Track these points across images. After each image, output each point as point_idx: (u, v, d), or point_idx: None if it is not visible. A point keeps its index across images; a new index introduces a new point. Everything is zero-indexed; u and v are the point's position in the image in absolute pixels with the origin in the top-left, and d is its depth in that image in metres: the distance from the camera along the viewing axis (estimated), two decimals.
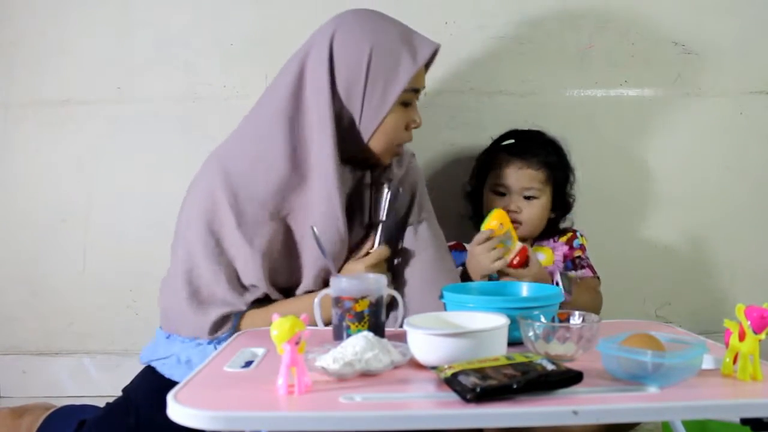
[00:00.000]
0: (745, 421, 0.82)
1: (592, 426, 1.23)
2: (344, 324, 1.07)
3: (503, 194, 1.61)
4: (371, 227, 1.39)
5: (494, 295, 1.17)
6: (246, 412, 0.78)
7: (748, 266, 1.85)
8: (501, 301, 1.09)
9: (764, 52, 1.82)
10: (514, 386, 0.79)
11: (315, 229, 1.26)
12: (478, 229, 1.68)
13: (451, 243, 1.61)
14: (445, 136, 1.81)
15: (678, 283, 1.85)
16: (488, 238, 1.42)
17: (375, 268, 1.33)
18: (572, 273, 1.61)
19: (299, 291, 1.35)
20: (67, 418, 1.39)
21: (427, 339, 0.92)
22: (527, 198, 1.59)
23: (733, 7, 1.81)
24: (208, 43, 1.81)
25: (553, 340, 0.96)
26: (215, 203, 1.30)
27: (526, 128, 1.68)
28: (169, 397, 0.79)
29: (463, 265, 1.59)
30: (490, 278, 1.43)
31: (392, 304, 1.26)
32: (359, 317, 1.06)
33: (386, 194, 1.36)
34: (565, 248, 1.65)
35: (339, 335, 1.07)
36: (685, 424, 1.06)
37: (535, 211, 1.59)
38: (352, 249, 1.36)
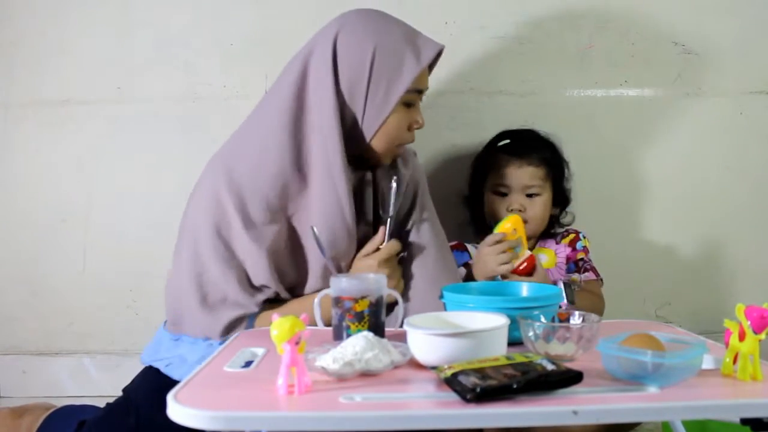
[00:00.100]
0: (745, 421, 0.82)
1: (592, 426, 1.23)
2: (344, 324, 1.06)
3: (505, 194, 1.61)
4: (377, 223, 1.39)
5: (494, 295, 1.16)
6: (246, 412, 0.78)
7: (748, 266, 1.85)
8: (501, 301, 1.08)
9: (764, 52, 1.82)
10: (514, 386, 0.79)
11: (315, 229, 1.26)
12: (478, 232, 1.69)
13: (453, 243, 1.61)
14: (445, 136, 1.81)
15: (678, 283, 1.85)
16: (499, 241, 1.42)
17: (387, 262, 1.32)
18: (576, 276, 1.61)
19: (306, 290, 1.35)
20: (67, 418, 1.39)
21: (427, 339, 0.92)
22: (529, 196, 1.60)
23: (733, 7, 1.81)
24: (208, 43, 1.81)
25: (553, 340, 0.96)
26: (221, 206, 1.30)
27: (517, 128, 1.69)
28: (169, 397, 0.79)
29: (465, 264, 1.59)
30: (493, 280, 1.43)
31: (393, 303, 1.26)
32: (359, 317, 1.06)
33: (393, 188, 1.35)
34: (568, 250, 1.65)
35: (339, 335, 1.07)
36: (685, 424, 1.06)
37: (538, 208, 1.60)
38: (357, 247, 1.36)
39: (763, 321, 0.87)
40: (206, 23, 1.81)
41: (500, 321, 0.95)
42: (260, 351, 1.03)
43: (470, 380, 0.79)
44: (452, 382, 0.81)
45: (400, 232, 1.42)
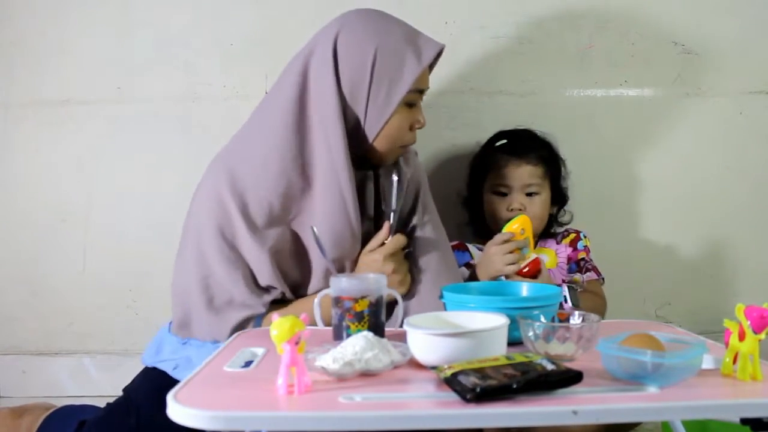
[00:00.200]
0: (744, 421, 0.82)
1: (591, 426, 1.23)
2: (344, 324, 1.06)
3: (505, 194, 1.61)
4: (378, 221, 1.39)
5: (494, 295, 1.16)
6: (246, 412, 0.77)
7: (748, 266, 1.85)
8: (501, 301, 1.08)
9: (764, 52, 1.82)
10: (514, 386, 0.79)
11: (315, 229, 1.26)
12: (477, 233, 1.69)
13: (454, 243, 1.61)
14: (445, 136, 1.81)
15: (678, 283, 1.85)
16: (507, 241, 1.42)
17: (393, 257, 1.32)
18: (577, 276, 1.61)
19: (309, 291, 1.35)
20: (67, 418, 1.39)
21: (427, 339, 0.92)
22: (529, 195, 1.60)
23: (733, 7, 1.81)
24: (208, 43, 1.81)
25: (552, 340, 0.96)
26: (224, 208, 1.30)
27: (514, 128, 1.69)
28: (169, 397, 0.79)
29: (467, 265, 1.59)
30: (497, 280, 1.43)
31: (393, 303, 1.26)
32: (359, 317, 1.06)
33: (395, 183, 1.35)
34: (569, 250, 1.65)
35: (339, 335, 1.07)
36: (685, 424, 1.06)
37: (538, 207, 1.60)
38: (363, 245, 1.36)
39: (763, 321, 0.87)
40: (206, 23, 1.81)
41: (500, 321, 0.95)
42: (260, 351, 1.03)
43: (470, 380, 0.79)
44: (452, 382, 0.81)
45: (404, 229, 1.42)
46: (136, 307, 1.83)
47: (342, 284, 1.07)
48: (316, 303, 1.19)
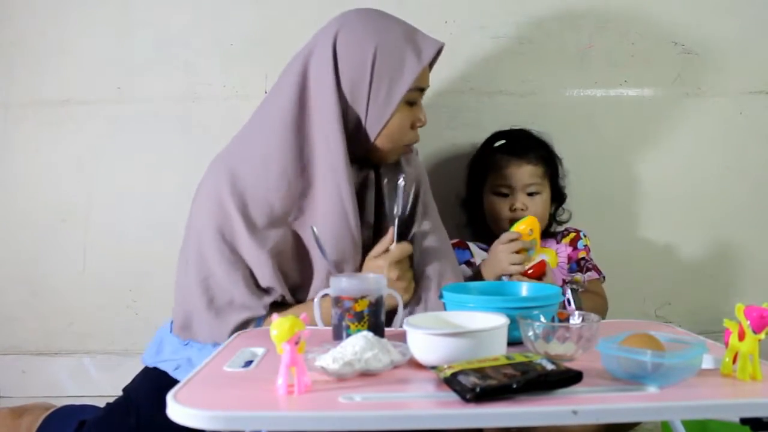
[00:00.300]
0: (744, 421, 0.82)
1: (591, 426, 1.23)
2: (344, 324, 1.06)
3: (506, 195, 1.61)
4: (378, 222, 1.38)
5: (494, 295, 1.16)
6: (246, 411, 0.77)
7: (748, 266, 1.85)
8: (501, 301, 1.08)
9: (764, 52, 1.82)
10: (514, 386, 0.79)
11: (315, 229, 1.26)
12: (476, 234, 1.68)
13: (454, 241, 1.61)
14: (445, 136, 1.81)
15: (678, 283, 1.85)
16: (514, 241, 1.42)
17: (397, 264, 1.30)
18: (578, 276, 1.61)
19: (311, 293, 1.34)
20: (67, 418, 1.39)
21: (426, 339, 0.92)
22: (530, 195, 1.60)
23: (733, 7, 1.81)
24: (208, 43, 1.81)
25: (552, 339, 0.96)
26: (225, 210, 1.29)
27: (510, 128, 1.69)
28: (169, 397, 0.79)
29: (467, 262, 1.59)
30: (500, 280, 1.43)
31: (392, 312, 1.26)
32: (359, 317, 1.06)
33: (402, 187, 1.34)
34: (569, 249, 1.65)
35: (338, 335, 1.07)
36: (685, 423, 1.06)
37: (539, 207, 1.60)
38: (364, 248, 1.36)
39: (763, 321, 0.87)
40: (206, 23, 1.81)
41: (500, 321, 0.95)
42: (260, 351, 1.03)
43: (470, 380, 0.79)
44: (452, 382, 0.81)
45: (407, 232, 1.41)
46: (136, 307, 1.83)
47: (342, 284, 1.07)
48: (315, 303, 1.19)
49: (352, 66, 1.28)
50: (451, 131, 1.81)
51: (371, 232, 1.40)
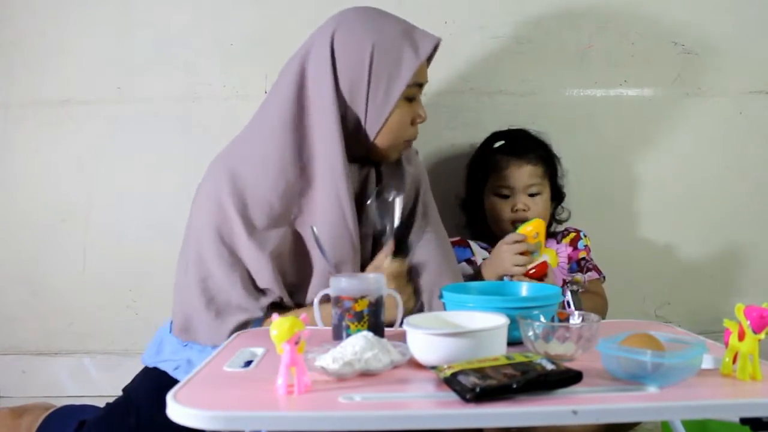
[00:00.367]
0: (744, 421, 0.82)
1: (591, 426, 1.23)
2: (344, 324, 1.06)
3: (507, 196, 1.61)
4: (380, 236, 1.38)
5: (494, 295, 1.16)
6: (245, 412, 0.77)
7: (748, 266, 1.85)
8: (501, 301, 1.08)
9: (764, 52, 1.82)
10: (514, 386, 0.79)
11: (314, 229, 1.26)
12: (476, 235, 1.68)
13: (455, 239, 1.61)
14: (445, 136, 1.81)
15: (678, 283, 1.85)
16: (519, 242, 1.41)
17: (396, 279, 1.29)
18: (579, 276, 1.61)
19: (309, 293, 1.34)
20: (67, 418, 1.39)
21: (426, 339, 0.92)
22: (531, 195, 1.60)
23: (733, 7, 1.81)
24: (208, 43, 1.81)
25: (552, 339, 0.96)
26: (224, 211, 1.29)
27: (508, 129, 1.69)
28: (169, 397, 0.79)
29: (467, 261, 1.59)
30: (501, 279, 1.43)
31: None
32: (359, 317, 1.06)
33: (398, 202, 1.33)
34: (569, 249, 1.65)
35: (338, 335, 1.07)
36: (685, 423, 1.06)
37: (540, 207, 1.61)
38: (362, 252, 1.36)
39: (763, 321, 0.87)
40: (206, 23, 1.81)
41: (500, 321, 0.95)
42: (260, 351, 1.03)
43: (470, 380, 0.79)
44: (452, 382, 0.81)
45: (404, 243, 1.41)
46: (136, 307, 1.83)
47: (342, 284, 1.07)
48: (315, 302, 1.19)
49: (350, 64, 1.28)
50: (451, 131, 1.81)
51: (370, 231, 1.40)
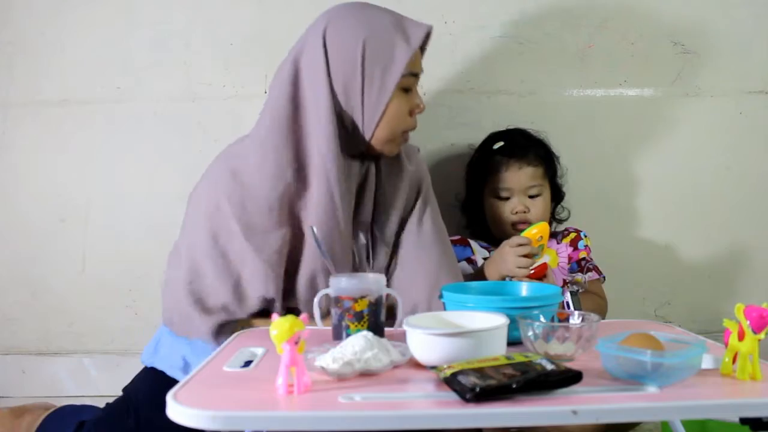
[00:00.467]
0: (744, 421, 0.82)
1: (591, 426, 1.23)
2: (344, 324, 1.06)
3: (506, 198, 1.61)
4: (378, 211, 1.39)
5: (494, 295, 1.16)
6: (245, 411, 0.77)
7: (748, 266, 1.85)
8: (501, 301, 1.08)
9: (764, 51, 1.82)
10: (514, 386, 0.79)
11: (314, 229, 1.25)
12: (476, 236, 1.68)
13: (455, 238, 1.61)
14: (444, 135, 1.81)
15: (678, 283, 1.85)
16: (523, 245, 1.42)
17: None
18: (579, 276, 1.61)
19: (298, 295, 1.34)
20: (67, 418, 1.39)
21: (426, 339, 0.92)
22: (531, 197, 1.60)
23: (733, 7, 1.81)
24: (208, 43, 1.81)
25: (552, 339, 0.96)
26: (221, 211, 1.29)
27: (506, 129, 1.69)
28: (169, 397, 0.79)
29: (467, 260, 1.59)
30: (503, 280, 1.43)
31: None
32: (359, 317, 1.06)
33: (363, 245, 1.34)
34: (570, 249, 1.65)
35: (338, 335, 1.07)
36: (685, 423, 1.06)
37: (540, 209, 1.61)
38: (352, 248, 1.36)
39: (762, 321, 0.87)
40: (206, 23, 1.81)
41: (500, 321, 0.95)
42: (260, 351, 1.03)
43: (469, 380, 0.79)
44: (452, 382, 0.81)
45: (401, 229, 1.41)
46: (135, 307, 1.83)
47: (341, 284, 1.07)
48: (316, 302, 1.19)
49: (343, 59, 1.28)
50: (451, 131, 1.81)
51: (369, 220, 1.39)
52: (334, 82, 1.28)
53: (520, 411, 0.77)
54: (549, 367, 0.83)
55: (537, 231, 1.44)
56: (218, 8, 1.80)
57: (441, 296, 1.13)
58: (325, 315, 1.21)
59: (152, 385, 1.31)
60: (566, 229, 1.69)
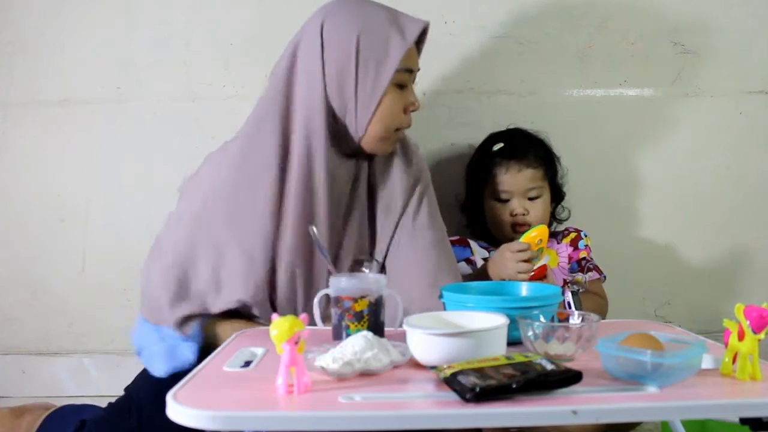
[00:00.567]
0: (744, 421, 0.82)
1: (591, 426, 1.23)
2: (343, 324, 1.06)
3: (506, 200, 1.60)
4: (373, 209, 1.39)
5: (494, 295, 1.16)
6: (245, 411, 0.77)
7: (748, 266, 1.85)
8: (501, 301, 1.08)
9: (764, 52, 1.82)
10: (514, 386, 0.79)
11: (314, 229, 1.24)
12: (476, 237, 1.68)
13: (455, 238, 1.61)
14: (444, 135, 1.81)
15: (678, 283, 1.85)
16: (523, 251, 1.42)
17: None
18: (579, 276, 1.61)
19: (278, 293, 1.33)
20: (67, 417, 1.39)
21: (426, 339, 0.92)
22: (531, 199, 1.59)
23: (733, 6, 1.81)
24: (208, 43, 1.81)
25: (552, 339, 0.96)
26: (207, 204, 1.30)
27: (505, 129, 1.69)
28: (169, 397, 0.79)
29: (466, 260, 1.59)
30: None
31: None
32: (358, 317, 1.06)
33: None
34: (570, 249, 1.65)
35: (338, 335, 1.07)
36: (685, 423, 1.06)
37: (540, 210, 1.60)
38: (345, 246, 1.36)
39: (762, 321, 0.87)
40: (206, 23, 1.81)
41: (500, 321, 0.95)
42: (259, 351, 1.03)
43: (469, 380, 0.79)
44: (451, 382, 0.81)
45: (398, 225, 1.41)
46: (135, 307, 1.81)
47: (341, 284, 1.07)
48: (315, 302, 1.19)
49: (338, 53, 1.28)
50: (451, 131, 1.81)
51: (365, 218, 1.39)
52: (328, 75, 1.28)
53: (520, 411, 0.77)
54: (549, 367, 0.83)
55: (536, 234, 1.44)
56: (218, 8, 1.80)
57: (441, 296, 1.13)
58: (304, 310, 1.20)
59: (154, 385, 1.30)
60: (566, 229, 1.69)
